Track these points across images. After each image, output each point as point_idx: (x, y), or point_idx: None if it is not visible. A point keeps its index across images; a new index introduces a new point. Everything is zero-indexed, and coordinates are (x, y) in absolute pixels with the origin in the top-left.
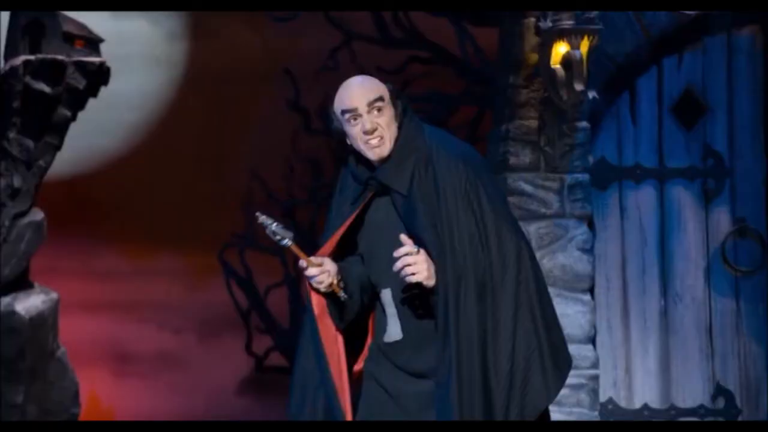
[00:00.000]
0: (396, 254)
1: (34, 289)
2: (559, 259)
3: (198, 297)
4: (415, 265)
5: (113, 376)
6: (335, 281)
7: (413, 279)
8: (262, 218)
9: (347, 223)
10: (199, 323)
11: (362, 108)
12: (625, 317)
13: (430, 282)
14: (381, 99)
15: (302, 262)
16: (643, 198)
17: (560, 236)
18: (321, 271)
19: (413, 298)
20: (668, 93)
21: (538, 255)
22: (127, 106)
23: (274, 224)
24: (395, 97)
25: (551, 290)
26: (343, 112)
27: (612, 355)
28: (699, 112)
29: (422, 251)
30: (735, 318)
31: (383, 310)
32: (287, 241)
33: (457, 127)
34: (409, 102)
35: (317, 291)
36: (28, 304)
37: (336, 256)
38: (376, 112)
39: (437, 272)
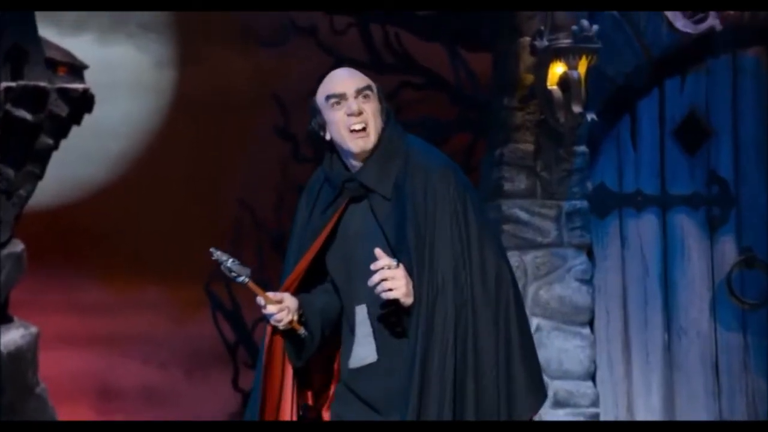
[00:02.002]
0: (373, 267)
1: (13, 323)
2: (556, 290)
3: (184, 331)
4: (393, 280)
5: (96, 412)
6: (295, 318)
7: (390, 295)
8: (217, 254)
9: (321, 238)
10: (185, 358)
11: (350, 93)
12: (626, 352)
13: (408, 300)
14: (369, 88)
15: (260, 300)
16: (645, 226)
17: (558, 266)
18: (280, 309)
19: (392, 315)
20: (670, 116)
21: (534, 286)
22: (112, 135)
23: (230, 260)
24: (381, 96)
25: (548, 323)
26: (328, 97)
27: (613, 393)
28: (703, 136)
29: (401, 266)
30: (742, 353)
31: (354, 331)
32: (244, 279)
33: (451, 155)
34: (392, 110)
35: (275, 328)
36: (7, 338)
37: (305, 273)
38: (362, 99)
39: (414, 289)
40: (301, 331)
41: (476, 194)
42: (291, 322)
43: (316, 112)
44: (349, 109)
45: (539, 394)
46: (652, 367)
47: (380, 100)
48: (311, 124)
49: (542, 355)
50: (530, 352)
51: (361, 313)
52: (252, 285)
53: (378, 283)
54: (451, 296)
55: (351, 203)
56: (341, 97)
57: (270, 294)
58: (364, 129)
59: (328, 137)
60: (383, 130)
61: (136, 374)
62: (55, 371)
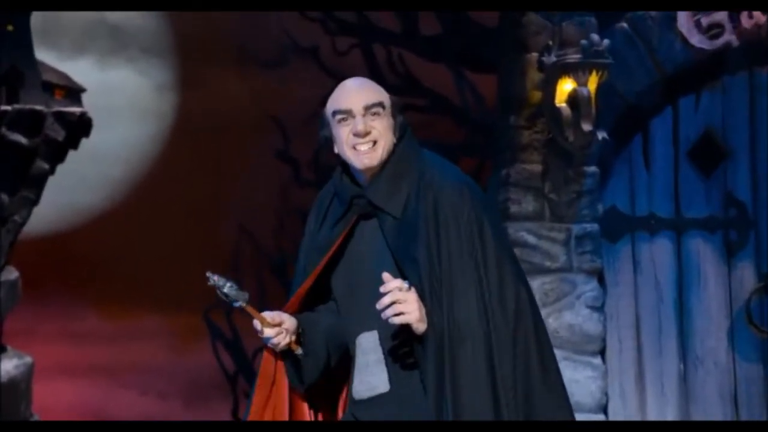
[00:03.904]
0: (383, 289)
1: (7, 353)
2: (566, 318)
3: (183, 360)
4: (405, 304)
5: None
6: (293, 339)
7: (401, 320)
8: (214, 279)
9: (327, 257)
10: (184, 388)
11: (357, 110)
12: (639, 383)
13: (421, 326)
14: (380, 105)
15: (257, 324)
16: (659, 251)
17: (567, 293)
18: (277, 332)
19: (405, 342)
20: (685, 136)
21: (543, 313)
22: (111, 160)
23: (227, 285)
24: (397, 109)
25: (557, 353)
26: (335, 113)
27: None
28: (719, 157)
29: (413, 289)
30: (762, 385)
31: (363, 359)
32: (240, 303)
33: None
34: (409, 125)
35: (274, 352)
36: None
37: (311, 290)
38: (371, 116)
39: (428, 315)
40: (298, 351)
41: (494, 212)
42: (289, 343)
43: (324, 124)
44: (355, 129)
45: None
46: (668, 398)
47: (393, 115)
48: (321, 134)
49: None
50: (557, 380)
51: (372, 339)
52: (249, 309)
53: (388, 306)
54: (476, 330)
55: (361, 219)
56: (348, 114)
57: (267, 315)
58: (372, 145)
59: (336, 151)
60: (395, 145)
61: (134, 405)
62: (51, 402)
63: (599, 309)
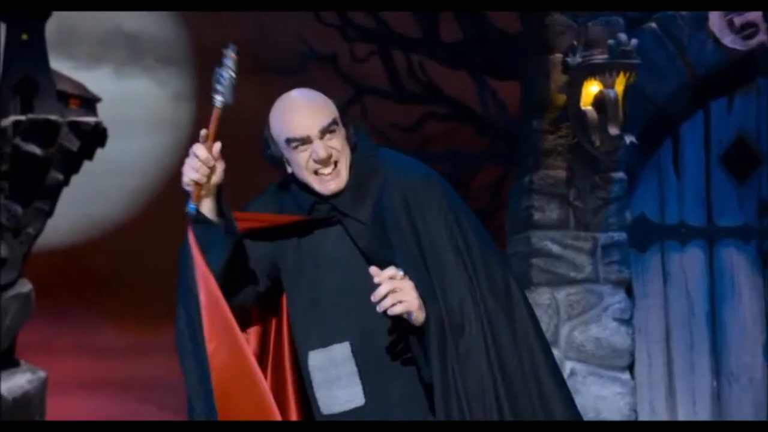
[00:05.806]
0: (378, 279)
1: (20, 368)
2: (592, 331)
3: None
4: (403, 292)
5: None
6: (205, 189)
7: (401, 309)
8: (230, 55)
9: (287, 219)
10: None
11: (314, 135)
12: (670, 400)
13: (421, 315)
14: (335, 122)
15: (203, 133)
16: (690, 261)
17: (593, 304)
18: (207, 160)
19: (387, 345)
20: (717, 140)
21: (567, 326)
22: (129, 171)
23: (231, 74)
24: (345, 116)
25: (584, 367)
26: (290, 140)
27: None
28: (753, 163)
29: (407, 277)
30: None
31: (334, 372)
32: (219, 99)
33: (481, 189)
34: (357, 124)
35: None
36: (12, 383)
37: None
38: (329, 136)
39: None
40: (191, 206)
41: (463, 201)
42: (199, 185)
43: (271, 143)
44: (316, 156)
45: (574, 413)
46: (700, 416)
47: (345, 124)
48: (267, 152)
49: (577, 402)
50: (554, 364)
51: (343, 351)
52: (216, 114)
53: (384, 297)
54: (472, 316)
55: (319, 228)
56: (304, 141)
57: (217, 145)
58: (334, 167)
59: (289, 171)
60: (353, 151)
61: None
62: (67, 416)
63: (627, 322)
